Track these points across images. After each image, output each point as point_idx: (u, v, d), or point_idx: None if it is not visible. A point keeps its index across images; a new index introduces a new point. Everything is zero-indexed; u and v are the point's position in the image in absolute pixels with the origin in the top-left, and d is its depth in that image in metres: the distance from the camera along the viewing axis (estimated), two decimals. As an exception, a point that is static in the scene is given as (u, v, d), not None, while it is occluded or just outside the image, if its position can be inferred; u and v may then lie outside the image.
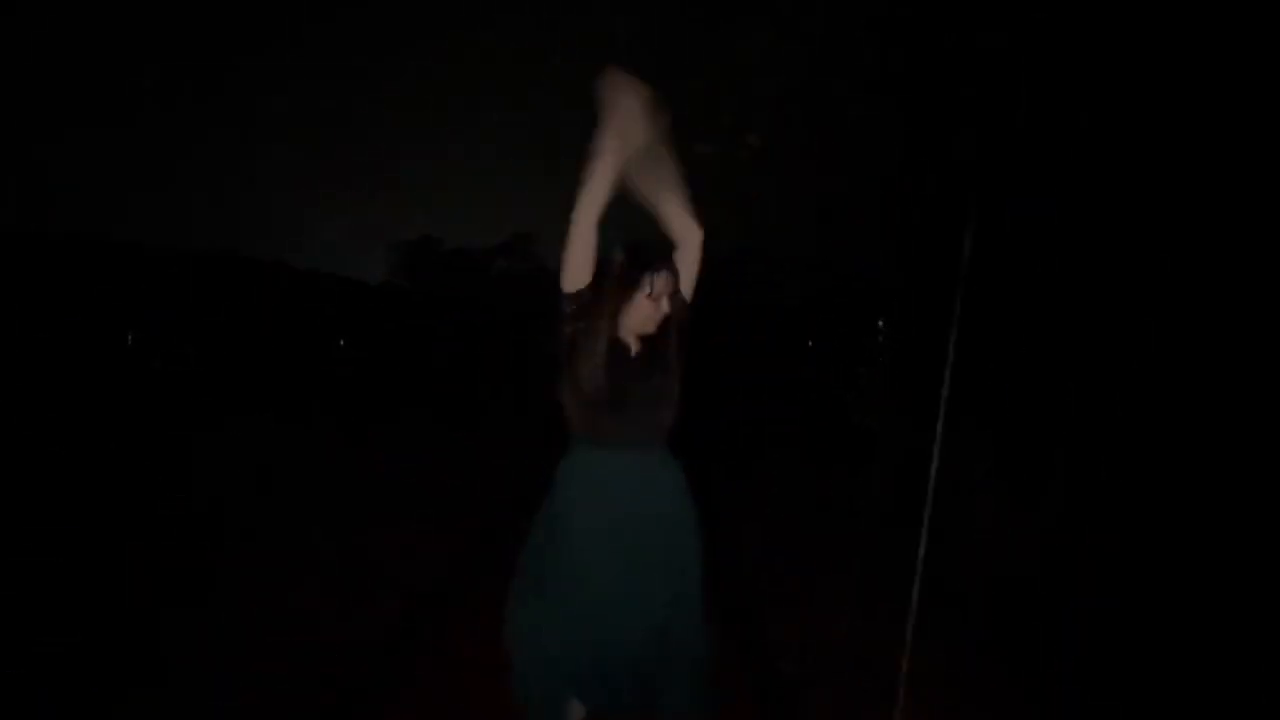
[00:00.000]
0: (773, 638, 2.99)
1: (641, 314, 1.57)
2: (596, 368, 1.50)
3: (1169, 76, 3.54)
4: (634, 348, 1.61)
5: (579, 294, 1.53)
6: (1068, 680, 2.64)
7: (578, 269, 1.52)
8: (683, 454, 1.68)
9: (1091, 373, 4.13)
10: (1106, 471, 3.79)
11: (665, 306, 1.59)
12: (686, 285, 1.65)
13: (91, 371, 11.47)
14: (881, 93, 5.39)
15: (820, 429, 8.01)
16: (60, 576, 3.19)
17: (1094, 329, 4.14)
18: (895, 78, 5.15)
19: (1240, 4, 3.38)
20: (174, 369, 12.54)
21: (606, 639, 1.55)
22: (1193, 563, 3.24)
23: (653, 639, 1.57)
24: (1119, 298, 4.10)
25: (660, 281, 1.57)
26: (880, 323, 8.26)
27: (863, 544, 4.11)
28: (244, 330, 15.88)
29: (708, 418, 4.61)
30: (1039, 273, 4.56)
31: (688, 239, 1.63)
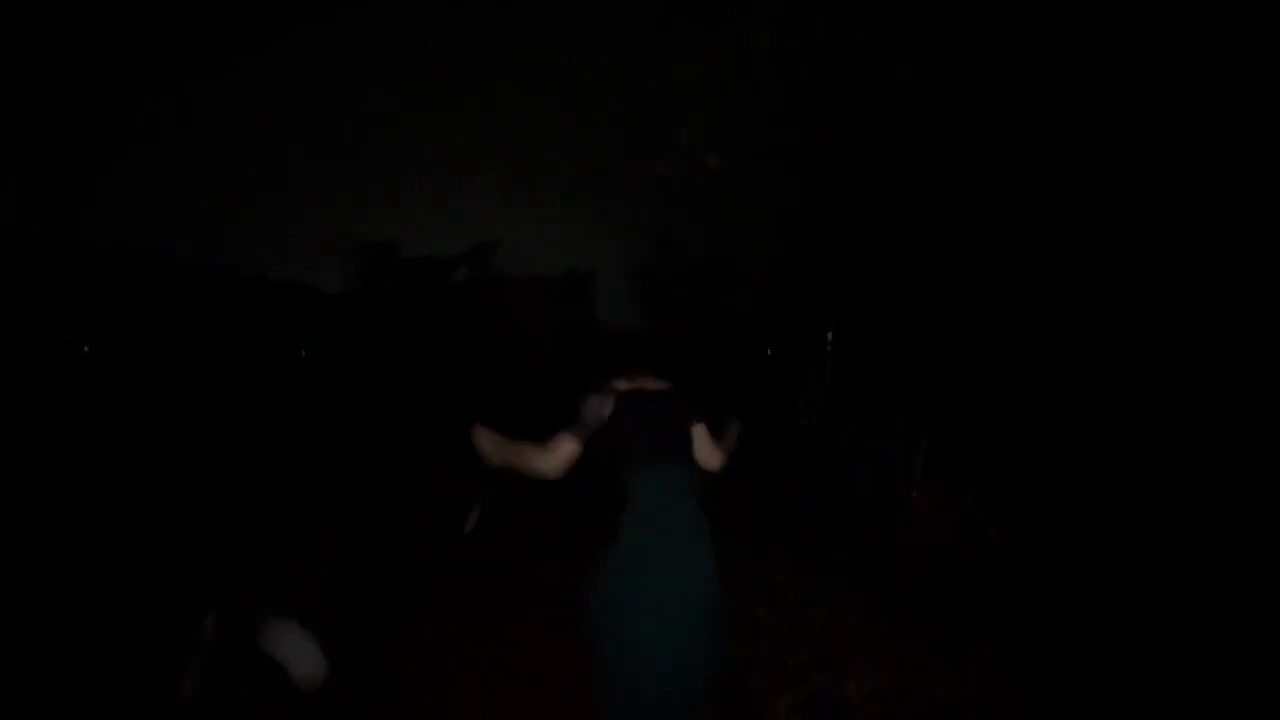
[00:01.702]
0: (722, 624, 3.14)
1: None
2: None
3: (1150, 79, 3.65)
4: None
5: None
6: (992, 652, 2.82)
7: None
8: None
9: (1023, 377, 4.38)
10: (1028, 469, 4.01)
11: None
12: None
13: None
14: (830, 117, 5.59)
15: (772, 431, 8.25)
16: (53, 582, 3.22)
17: (1021, 335, 4.38)
18: (849, 102, 5.33)
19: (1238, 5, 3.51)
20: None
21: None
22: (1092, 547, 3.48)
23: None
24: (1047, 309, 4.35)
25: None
26: (829, 334, 8.62)
27: (804, 534, 4.30)
28: (202, 338, 15.44)
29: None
30: (977, 289, 4.80)
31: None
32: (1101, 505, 3.61)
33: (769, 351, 15.10)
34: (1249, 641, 2.81)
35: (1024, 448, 4.06)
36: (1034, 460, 4.00)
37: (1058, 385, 4.18)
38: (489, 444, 1.88)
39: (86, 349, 13.30)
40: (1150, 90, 3.56)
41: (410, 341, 20.72)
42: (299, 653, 1.85)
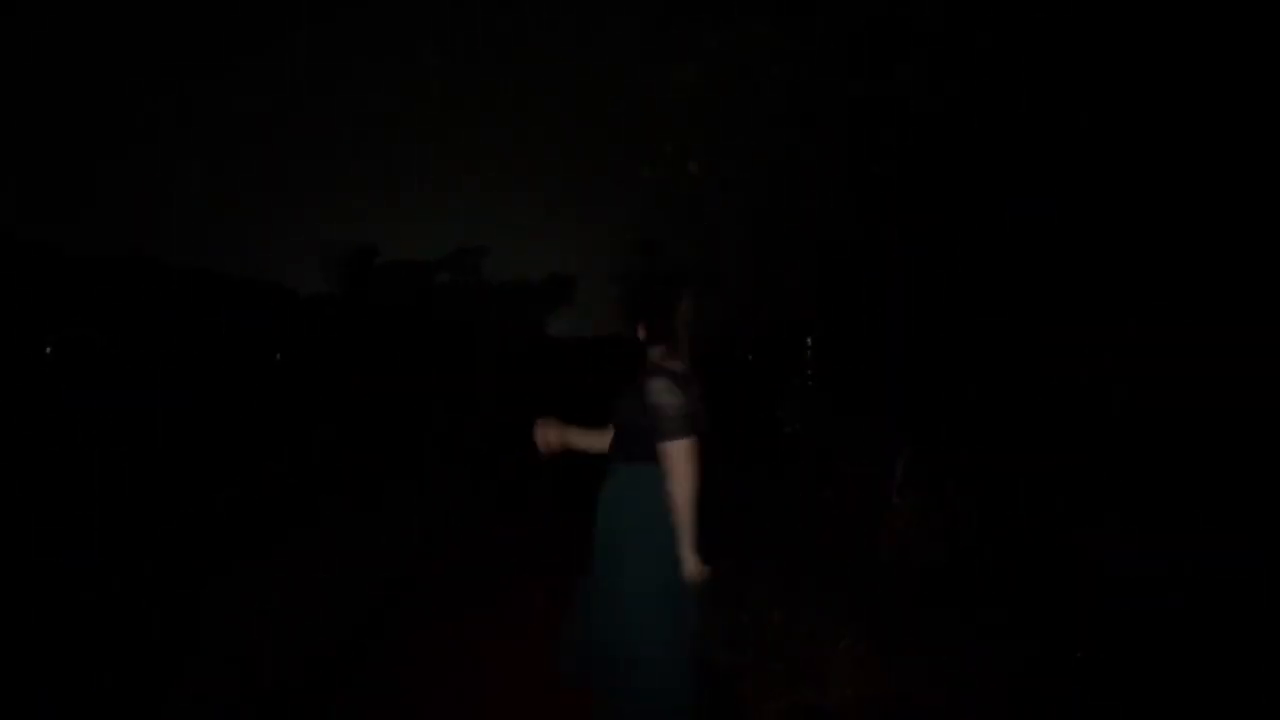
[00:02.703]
0: (705, 629, 3.11)
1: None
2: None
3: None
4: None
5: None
6: (991, 652, 2.81)
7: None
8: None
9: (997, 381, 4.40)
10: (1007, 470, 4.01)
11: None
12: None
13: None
14: (811, 125, 5.57)
15: (754, 435, 8.23)
16: (53, 582, 3.17)
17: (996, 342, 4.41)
18: (830, 113, 5.32)
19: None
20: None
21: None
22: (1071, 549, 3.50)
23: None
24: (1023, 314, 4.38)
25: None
26: (808, 340, 8.66)
27: (788, 539, 4.28)
28: (177, 343, 15.20)
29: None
30: (976, 289, 4.82)
31: None
32: (1100, 505, 3.63)
33: (750, 357, 15.12)
34: (1249, 641, 2.82)
35: (1022, 448, 4.08)
36: (1032, 460, 4.01)
37: (1057, 385, 4.21)
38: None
39: (54, 349, 13.07)
40: (1149, 92, 3.60)
41: (396, 345, 20.58)
42: None
